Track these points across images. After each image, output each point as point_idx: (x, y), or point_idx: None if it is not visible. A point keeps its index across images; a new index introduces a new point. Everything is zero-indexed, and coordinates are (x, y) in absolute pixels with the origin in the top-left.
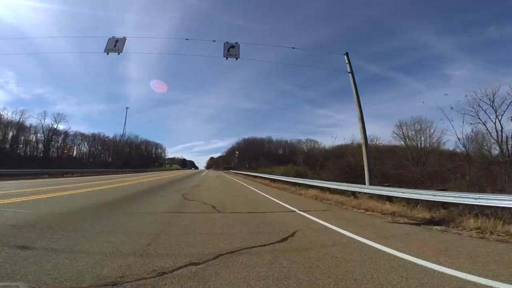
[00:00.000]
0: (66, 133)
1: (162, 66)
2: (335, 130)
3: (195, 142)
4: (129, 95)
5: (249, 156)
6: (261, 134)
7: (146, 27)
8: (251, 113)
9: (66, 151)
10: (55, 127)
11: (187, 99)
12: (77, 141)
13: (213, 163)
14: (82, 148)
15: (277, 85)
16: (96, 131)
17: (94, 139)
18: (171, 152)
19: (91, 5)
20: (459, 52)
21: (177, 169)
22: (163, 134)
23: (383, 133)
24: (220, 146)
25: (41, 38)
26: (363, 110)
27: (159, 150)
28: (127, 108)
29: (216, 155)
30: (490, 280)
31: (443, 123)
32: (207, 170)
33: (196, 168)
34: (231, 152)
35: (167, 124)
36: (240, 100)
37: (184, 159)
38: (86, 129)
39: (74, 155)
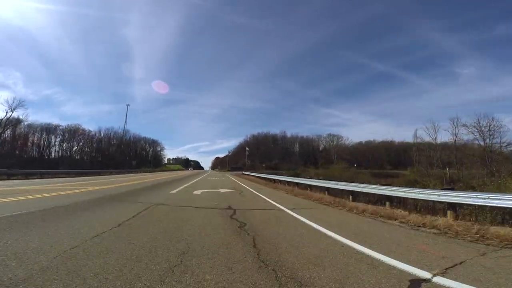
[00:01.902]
0: (31, 126)
1: (167, 66)
2: (342, 129)
3: (201, 143)
4: (134, 95)
5: (261, 155)
6: (269, 130)
7: (151, 28)
8: (255, 113)
9: (23, 146)
10: (9, 116)
11: (192, 99)
12: (46, 134)
13: (218, 163)
14: (55, 144)
15: (281, 85)
16: (71, 123)
17: (70, 133)
18: (177, 152)
19: (96, 6)
20: (468, 49)
21: (179, 169)
22: (168, 134)
23: (390, 132)
24: (225, 146)
25: (47, 40)
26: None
27: (158, 148)
28: (127, 104)
29: (221, 155)
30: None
31: None
32: (210, 171)
33: (201, 168)
34: (239, 150)
35: (173, 124)
36: (244, 100)
37: (187, 159)
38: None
39: (37, 151)
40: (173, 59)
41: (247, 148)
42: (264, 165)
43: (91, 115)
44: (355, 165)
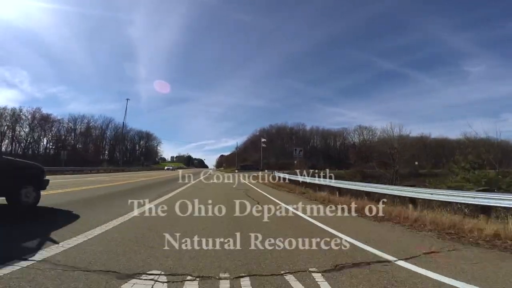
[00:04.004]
0: None
1: (171, 65)
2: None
3: (206, 141)
4: (139, 94)
5: (275, 151)
6: (286, 122)
7: (155, 27)
8: (260, 111)
9: None
10: None
11: (197, 98)
12: None
13: (223, 161)
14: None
15: (287, 83)
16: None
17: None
18: (182, 150)
19: (101, 6)
20: (477, 48)
21: (179, 167)
22: (173, 133)
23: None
24: (230, 144)
25: (52, 39)
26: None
27: (154, 143)
28: (127, 99)
29: (226, 153)
30: None
31: None
32: (211, 171)
33: (205, 166)
34: (247, 146)
35: (178, 122)
36: (249, 98)
37: (189, 157)
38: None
39: None
40: (178, 58)
41: (262, 139)
42: (295, 162)
43: (96, 113)
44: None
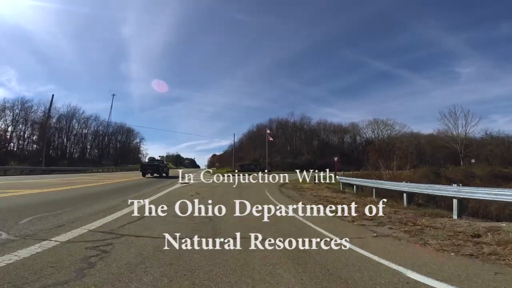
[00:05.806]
0: None
1: (164, 64)
2: None
3: (198, 141)
4: (131, 93)
5: (278, 148)
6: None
7: (148, 25)
8: (255, 110)
9: None
10: None
11: (191, 97)
12: None
13: (216, 161)
14: None
15: (282, 83)
16: None
17: None
18: (173, 150)
19: (92, 3)
20: (469, 49)
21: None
22: (166, 133)
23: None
24: (223, 144)
25: (42, 37)
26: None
27: (135, 139)
28: (113, 95)
29: (218, 153)
30: None
31: None
32: (191, 175)
33: (197, 167)
34: (244, 142)
35: (170, 122)
36: (244, 98)
37: (178, 156)
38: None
39: None
40: (172, 57)
41: (268, 131)
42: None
43: (87, 112)
44: None
